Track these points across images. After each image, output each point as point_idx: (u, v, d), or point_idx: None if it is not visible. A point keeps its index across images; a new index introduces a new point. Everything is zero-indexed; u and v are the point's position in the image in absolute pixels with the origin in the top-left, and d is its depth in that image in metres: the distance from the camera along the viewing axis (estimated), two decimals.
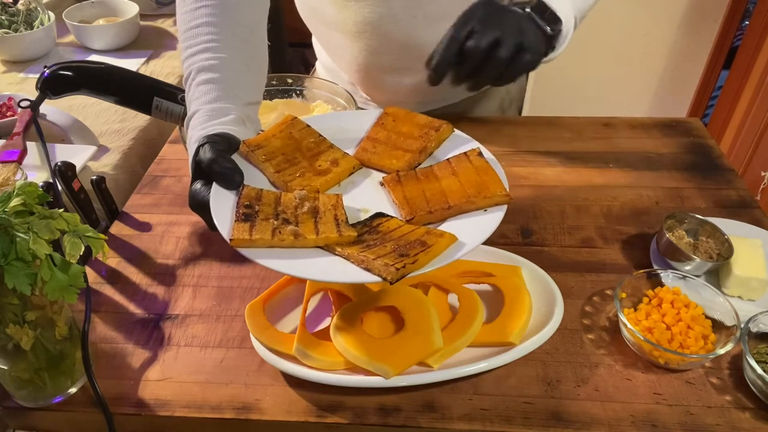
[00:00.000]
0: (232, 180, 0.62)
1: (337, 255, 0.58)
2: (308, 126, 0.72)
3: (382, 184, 0.68)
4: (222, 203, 0.61)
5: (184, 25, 0.74)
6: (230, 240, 0.57)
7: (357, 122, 0.75)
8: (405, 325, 0.66)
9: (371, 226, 0.62)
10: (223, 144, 0.65)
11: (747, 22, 1.98)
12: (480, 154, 0.69)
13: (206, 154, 0.62)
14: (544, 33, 0.74)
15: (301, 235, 0.58)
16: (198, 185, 0.63)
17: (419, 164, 0.71)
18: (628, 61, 2.12)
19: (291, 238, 0.58)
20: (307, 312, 0.71)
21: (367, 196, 0.67)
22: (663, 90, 2.19)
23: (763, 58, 1.87)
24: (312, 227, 0.59)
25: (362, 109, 1.15)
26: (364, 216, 0.64)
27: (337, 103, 1.04)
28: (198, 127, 0.67)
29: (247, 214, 0.59)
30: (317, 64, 1.20)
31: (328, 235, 0.58)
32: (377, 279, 0.55)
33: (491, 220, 0.61)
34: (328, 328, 0.68)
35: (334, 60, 1.10)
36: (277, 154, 0.68)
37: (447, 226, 0.62)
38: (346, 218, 0.61)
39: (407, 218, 0.63)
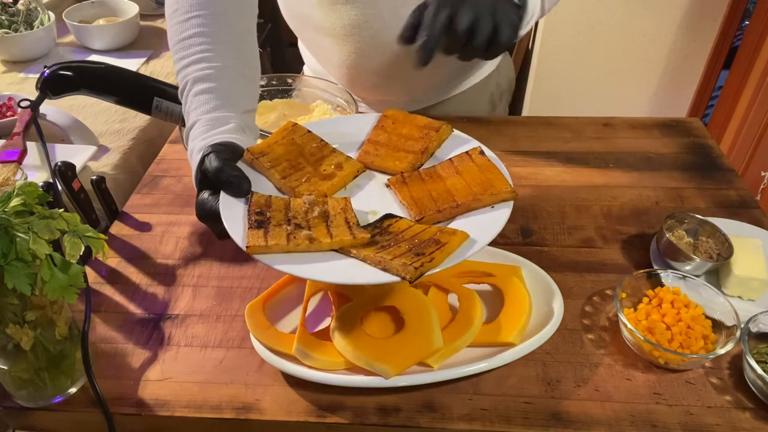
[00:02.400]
0: (240, 188, 0.63)
1: (352, 257, 0.59)
2: (309, 131, 0.73)
3: (387, 185, 0.70)
4: (232, 212, 0.61)
5: (176, 36, 0.74)
6: (246, 248, 0.57)
7: (356, 126, 0.76)
8: (405, 325, 0.66)
9: (382, 227, 0.63)
10: (227, 152, 0.65)
11: (747, 22, 1.97)
12: (482, 152, 0.70)
13: (212, 163, 0.62)
14: (514, 4, 0.74)
15: (315, 239, 0.59)
16: (205, 195, 0.64)
17: (421, 165, 0.72)
18: (628, 61, 2.12)
19: (306, 242, 0.59)
20: (307, 312, 0.71)
21: (374, 199, 0.68)
22: (663, 90, 2.19)
23: (763, 58, 1.87)
24: (325, 231, 0.60)
25: (361, 111, 1.15)
26: (372, 218, 0.65)
27: (337, 103, 1.04)
28: (199, 138, 0.67)
29: (259, 221, 0.60)
30: (305, 68, 1.20)
31: (342, 238, 0.59)
32: (396, 279, 0.56)
33: (499, 216, 0.63)
34: (328, 328, 0.68)
35: (321, 63, 1.10)
36: (281, 161, 0.69)
37: (456, 225, 0.63)
38: (357, 221, 0.62)
39: (417, 218, 0.65)
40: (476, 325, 0.67)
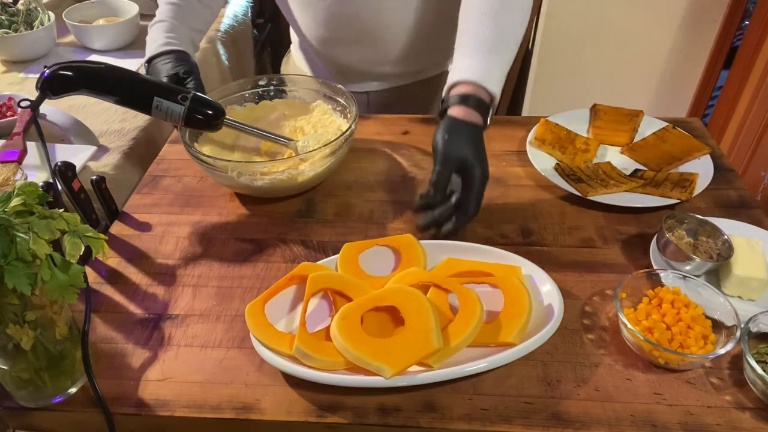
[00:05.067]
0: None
1: (637, 193, 0.91)
2: (556, 124, 1.04)
3: (622, 152, 1.02)
4: None
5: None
6: (586, 194, 0.89)
7: (571, 119, 1.06)
8: (405, 325, 0.66)
9: (637, 175, 0.95)
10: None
11: (747, 22, 1.97)
12: (674, 126, 1.04)
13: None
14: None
15: (620, 184, 0.91)
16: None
17: (633, 139, 1.04)
18: (628, 61, 2.12)
19: (615, 187, 0.91)
20: (308, 312, 0.71)
21: (615, 162, 0.99)
22: (663, 90, 2.18)
23: (763, 58, 1.87)
24: (617, 180, 0.92)
25: (362, 112, 1.16)
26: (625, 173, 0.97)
27: (337, 103, 1.04)
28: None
29: (577, 178, 0.92)
30: (291, 48, 1.27)
31: (630, 183, 0.91)
32: (676, 201, 0.88)
33: (707, 162, 0.96)
34: (328, 328, 0.68)
35: (297, 34, 1.16)
36: (554, 144, 1.00)
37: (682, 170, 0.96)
38: (624, 174, 0.95)
39: (656, 170, 0.96)
40: (476, 325, 0.67)
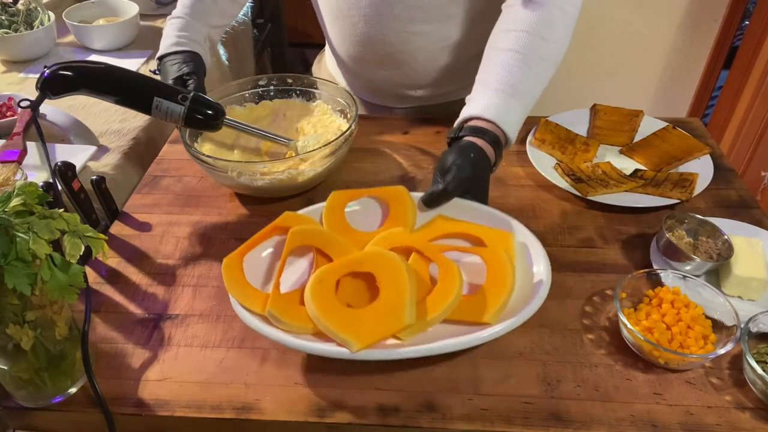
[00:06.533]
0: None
1: (637, 194, 0.90)
2: (557, 124, 1.04)
3: (622, 152, 1.02)
4: None
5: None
6: (586, 194, 0.89)
7: (571, 119, 1.07)
8: (378, 296, 0.65)
9: (637, 176, 0.95)
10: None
11: (747, 22, 1.98)
12: (674, 127, 1.04)
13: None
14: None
15: (620, 184, 0.91)
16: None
17: (633, 139, 1.04)
18: (628, 61, 2.12)
19: (615, 186, 0.91)
20: (288, 267, 0.70)
21: (615, 162, 0.98)
22: (663, 90, 2.19)
23: (763, 58, 1.87)
24: (617, 181, 0.92)
25: (363, 112, 1.16)
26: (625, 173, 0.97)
27: (337, 103, 1.04)
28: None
29: (577, 178, 0.92)
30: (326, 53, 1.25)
31: (630, 183, 0.91)
32: (676, 201, 0.88)
33: (706, 161, 0.96)
34: (303, 288, 0.67)
35: (327, 41, 1.16)
36: (555, 144, 1.00)
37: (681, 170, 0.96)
38: (624, 174, 0.95)
39: (656, 170, 0.96)
40: (452, 301, 0.65)
